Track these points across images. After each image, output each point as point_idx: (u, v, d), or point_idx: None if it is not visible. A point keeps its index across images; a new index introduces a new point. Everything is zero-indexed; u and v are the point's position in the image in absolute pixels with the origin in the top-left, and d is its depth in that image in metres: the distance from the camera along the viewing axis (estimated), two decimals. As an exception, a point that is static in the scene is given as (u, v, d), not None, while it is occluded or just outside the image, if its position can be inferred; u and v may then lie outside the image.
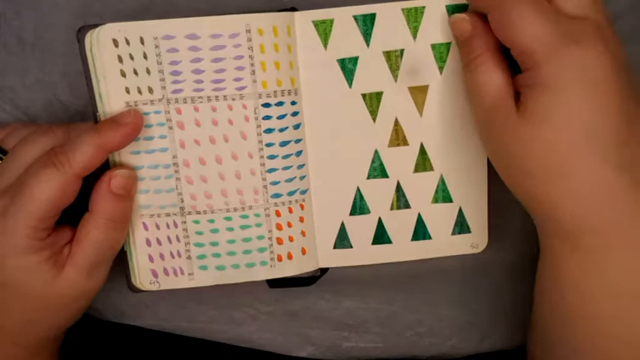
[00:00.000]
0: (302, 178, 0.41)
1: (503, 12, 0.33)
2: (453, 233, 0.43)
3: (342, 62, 0.40)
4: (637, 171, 0.32)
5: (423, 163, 0.42)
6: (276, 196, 0.41)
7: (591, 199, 0.32)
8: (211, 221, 0.41)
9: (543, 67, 0.32)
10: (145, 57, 0.38)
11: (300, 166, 0.41)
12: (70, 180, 0.36)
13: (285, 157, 0.40)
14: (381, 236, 0.43)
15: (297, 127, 0.40)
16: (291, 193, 0.41)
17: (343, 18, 0.40)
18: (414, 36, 0.40)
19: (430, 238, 0.43)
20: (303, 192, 0.41)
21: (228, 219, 0.41)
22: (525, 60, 0.33)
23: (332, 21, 0.40)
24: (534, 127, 0.33)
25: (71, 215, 0.38)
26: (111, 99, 0.38)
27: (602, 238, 0.33)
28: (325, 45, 0.40)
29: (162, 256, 0.41)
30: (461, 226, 0.43)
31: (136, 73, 0.38)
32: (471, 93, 0.37)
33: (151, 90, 0.38)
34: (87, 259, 0.38)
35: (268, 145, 0.40)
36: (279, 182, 0.40)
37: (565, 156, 0.32)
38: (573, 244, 0.34)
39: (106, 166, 0.39)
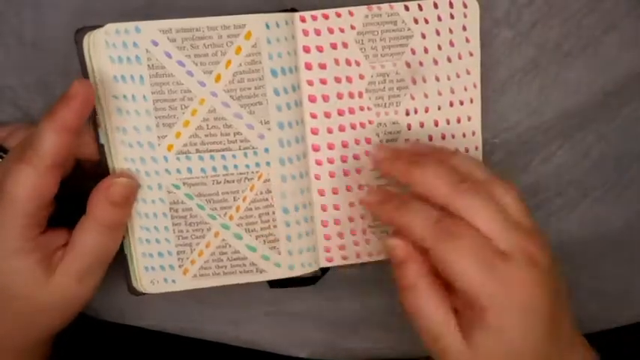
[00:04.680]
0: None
1: (448, 263, 0.34)
2: None
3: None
4: None
5: None
6: None
7: None
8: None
9: (494, 317, 0.34)
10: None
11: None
12: (43, 172, 0.35)
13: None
14: None
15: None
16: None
17: None
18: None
19: None
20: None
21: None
22: (472, 303, 0.34)
23: None
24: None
25: (72, 216, 0.38)
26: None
27: None
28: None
29: None
30: None
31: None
32: (411, 316, 0.37)
33: None
34: (78, 263, 0.37)
35: None
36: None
37: None
38: None
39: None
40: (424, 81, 0.41)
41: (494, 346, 0.34)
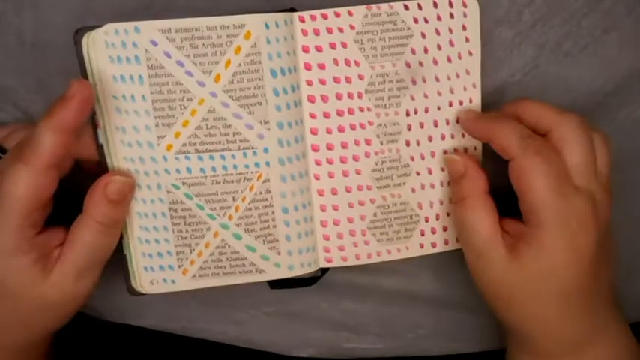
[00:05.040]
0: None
1: (525, 174, 0.36)
2: None
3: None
4: (593, 316, 0.39)
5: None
6: None
7: (560, 333, 0.39)
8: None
9: (546, 234, 0.37)
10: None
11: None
12: (42, 171, 0.35)
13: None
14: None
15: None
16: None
17: None
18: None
19: None
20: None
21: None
22: (531, 218, 0.37)
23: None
24: (523, 277, 0.38)
25: (72, 216, 0.38)
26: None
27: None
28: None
29: None
30: None
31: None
32: (459, 229, 0.40)
33: None
34: (76, 261, 0.37)
35: None
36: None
37: (543, 302, 0.38)
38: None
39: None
40: (424, 81, 0.41)
41: (539, 264, 0.37)
